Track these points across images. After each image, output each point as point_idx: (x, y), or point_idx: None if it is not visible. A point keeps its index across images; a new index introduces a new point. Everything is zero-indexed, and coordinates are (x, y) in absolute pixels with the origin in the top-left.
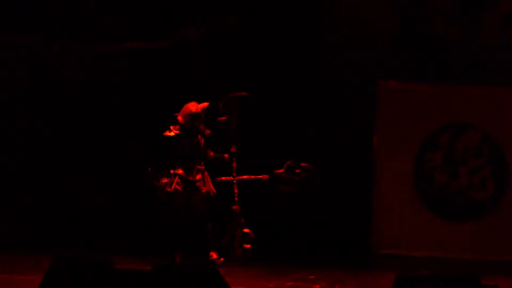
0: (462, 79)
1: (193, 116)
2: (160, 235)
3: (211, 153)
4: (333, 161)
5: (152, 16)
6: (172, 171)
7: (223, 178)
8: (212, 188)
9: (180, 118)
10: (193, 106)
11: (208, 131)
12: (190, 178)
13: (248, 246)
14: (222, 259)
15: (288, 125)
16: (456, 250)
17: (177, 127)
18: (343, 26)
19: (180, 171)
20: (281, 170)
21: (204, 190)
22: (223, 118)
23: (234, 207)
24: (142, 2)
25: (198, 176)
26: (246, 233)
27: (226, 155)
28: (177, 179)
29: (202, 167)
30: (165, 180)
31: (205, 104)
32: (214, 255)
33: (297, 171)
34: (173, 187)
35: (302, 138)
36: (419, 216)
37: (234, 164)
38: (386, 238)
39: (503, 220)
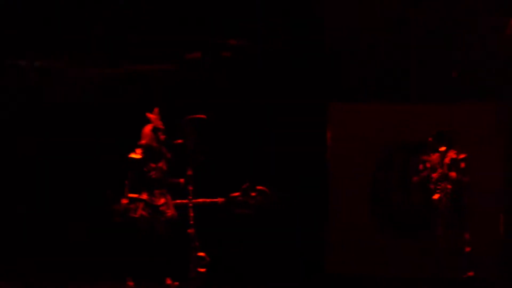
0: (414, 98)
1: (153, 130)
2: (116, 259)
3: (167, 179)
4: (288, 183)
5: (161, 39)
6: (135, 196)
7: (179, 201)
8: (175, 212)
9: (143, 141)
10: (150, 124)
11: (169, 155)
12: (156, 203)
13: (203, 269)
14: (176, 283)
15: (244, 148)
16: (412, 268)
17: (142, 149)
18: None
19: (145, 196)
20: (237, 194)
21: (169, 214)
22: (180, 141)
23: (189, 230)
24: (153, 26)
25: (162, 200)
26: (201, 256)
27: (182, 180)
28: (142, 204)
29: (165, 191)
30: (124, 201)
31: (155, 109)
32: (168, 280)
33: (253, 194)
34: (138, 213)
35: (258, 161)
36: (375, 235)
37: (190, 187)
38: (342, 259)
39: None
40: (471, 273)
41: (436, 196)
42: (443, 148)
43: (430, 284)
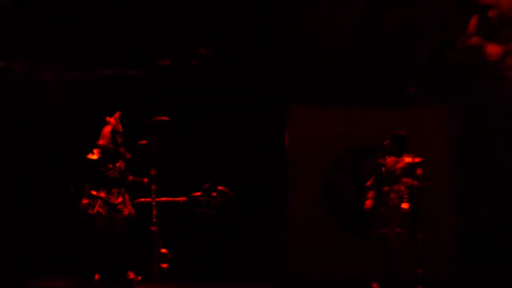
0: (370, 103)
1: (112, 132)
2: (82, 255)
3: (130, 177)
4: (249, 185)
5: (132, 46)
6: (94, 193)
7: (142, 199)
8: (132, 210)
9: (101, 141)
10: (109, 126)
11: (128, 155)
12: (112, 201)
13: (165, 265)
14: (139, 277)
15: (206, 150)
16: (360, 265)
17: (99, 150)
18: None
19: (102, 194)
20: (199, 193)
21: (126, 212)
22: (143, 141)
23: (152, 228)
24: (125, 33)
25: (120, 199)
26: (164, 253)
27: (145, 180)
28: (99, 202)
29: (123, 190)
30: (85, 201)
31: (117, 113)
32: (131, 275)
33: (214, 194)
34: (95, 209)
35: (220, 162)
36: (328, 233)
37: (154, 186)
38: (297, 256)
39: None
40: (420, 271)
41: (406, 206)
42: (409, 159)
43: (382, 282)
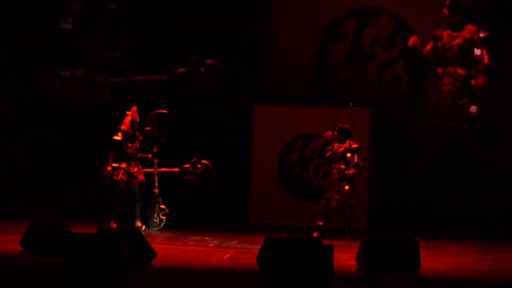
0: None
1: (131, 121)
2: (104, 208)
3: (139, 154)
4: (224, 160)
5: (153, 56)
6: (117, 165)
7: (147, 170)
8: (143, 177)
9: (123, 127)
10: (129, 116)
11: (141, 137)
12: (131, 170)
13: (163, 217)
14: (143, 226)
15: (196, 137)
16: (304, 220)
17: (121, 134)
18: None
19: (124, 165)
20: (188, 165)
21: (140, 178)
22: (148, 128)
23: (154, 190)
24: (147, 45)
25: (136, 169)
26: (162, 208)
27: (149, 155)
28: (122, 171)
29: (137, 162)
30: (109, 169)
31: (134, 107)
32: (138, 223)
33: (199, 166)
34: (119, 176)
35: (206, 145)
36: (281, 197)
37: (155, 160)
38: (259, 212)
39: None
40: (352, 225)
41: (347, 187)
42: (355, 145)
43: (322, 231)
